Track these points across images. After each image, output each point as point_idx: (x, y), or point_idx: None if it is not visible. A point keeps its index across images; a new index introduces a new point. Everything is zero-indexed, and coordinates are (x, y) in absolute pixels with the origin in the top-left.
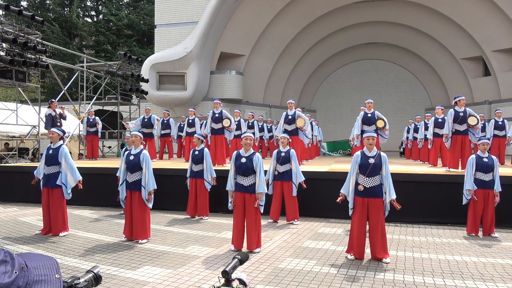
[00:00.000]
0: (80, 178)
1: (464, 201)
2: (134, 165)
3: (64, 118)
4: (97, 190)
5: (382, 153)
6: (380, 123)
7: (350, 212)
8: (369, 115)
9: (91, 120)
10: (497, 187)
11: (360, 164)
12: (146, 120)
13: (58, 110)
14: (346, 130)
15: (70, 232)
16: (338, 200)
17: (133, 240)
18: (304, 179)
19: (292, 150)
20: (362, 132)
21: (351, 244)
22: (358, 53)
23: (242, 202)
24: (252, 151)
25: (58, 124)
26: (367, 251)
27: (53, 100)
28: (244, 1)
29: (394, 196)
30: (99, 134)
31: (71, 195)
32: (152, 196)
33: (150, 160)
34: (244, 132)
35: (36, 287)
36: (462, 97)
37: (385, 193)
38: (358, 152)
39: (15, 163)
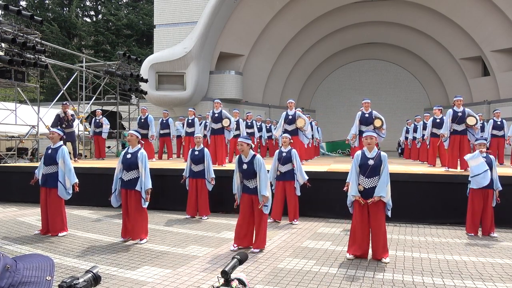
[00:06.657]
0: (76, 180)
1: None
2: (130, 164)
3: (71, 122)
4: (96, 190)
5: (383, 153)
6: (377, 122)
7: (351, 210)
8: (367, 115)
9: (97, 120)
10: (496, 185)
11: (360, 164)
12: (142, 120)
13: (71, 112)
14: (345, 130)
15: (69, 232)
16: (345, 188)
17: (129, 240)
18: (307, 178)
19: (294, 150)
20: (361, 132)
21: (352, 244)
22: (357, 53)
23: (250, 203)
24: (252, 154)
25: (63, 126)
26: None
27: (65, 102)
28: (243, 1)
29: (383, 195)
30: (103, 134)
31: (71, 195)
32: (149, 195)
33: (147, 159)
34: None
35: None
36: (459, 97)
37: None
38: (359, 152)
39: (14, 163)
